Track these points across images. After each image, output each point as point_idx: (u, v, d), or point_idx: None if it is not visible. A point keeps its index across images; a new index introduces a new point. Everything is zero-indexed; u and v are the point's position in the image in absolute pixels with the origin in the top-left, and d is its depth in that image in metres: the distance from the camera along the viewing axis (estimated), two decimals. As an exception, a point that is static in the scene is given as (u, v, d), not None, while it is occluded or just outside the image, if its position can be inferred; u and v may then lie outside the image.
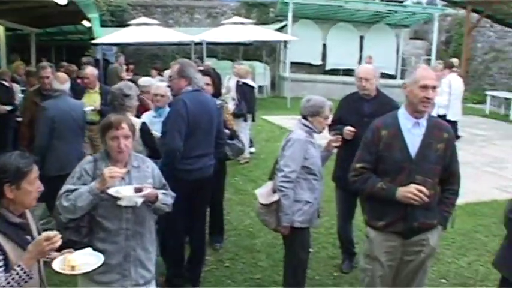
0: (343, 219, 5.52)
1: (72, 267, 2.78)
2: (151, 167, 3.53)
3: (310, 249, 5.01)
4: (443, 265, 5.77)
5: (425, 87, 3.49)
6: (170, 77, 4.79)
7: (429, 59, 20.21)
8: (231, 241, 6.22)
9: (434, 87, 3.55)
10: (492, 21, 19.53)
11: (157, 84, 5.94)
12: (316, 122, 4.41)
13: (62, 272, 2.77)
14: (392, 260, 3.73)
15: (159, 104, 5.56)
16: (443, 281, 5.45)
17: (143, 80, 7.21)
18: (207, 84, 5.63)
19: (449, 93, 10.00)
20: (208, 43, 17.19)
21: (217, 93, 6.04)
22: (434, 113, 9.64)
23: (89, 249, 3.01)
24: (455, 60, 14.26)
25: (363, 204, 4.00)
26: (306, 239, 4.59)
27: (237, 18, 18.20)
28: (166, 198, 3.50)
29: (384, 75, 19.61)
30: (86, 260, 2.87)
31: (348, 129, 4.98)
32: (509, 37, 20.14)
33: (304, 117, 4.43)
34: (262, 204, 4.44)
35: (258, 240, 6.23)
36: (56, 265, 2.78)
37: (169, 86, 5.12)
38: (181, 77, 4.69)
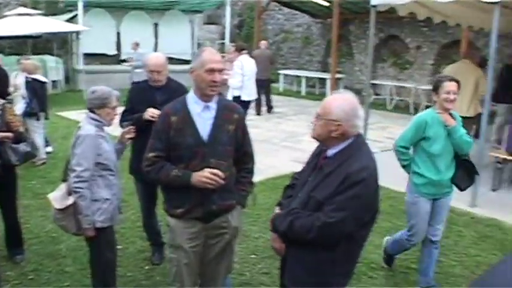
0: (147, 211, 5.43)
1: None
2: None
3: (119, 246, 4.85)
4: (251, 241, 5.99)
5: (211, 70, 3.47)
6: None
7: (223, 43, 20.80)
8: (32, 250, 5.76)
9: (220, 70, 3.56)
10: (281, 4, 20.71)
11: None
12: (104, 114, 4.18)
13: None
14: (196, 246, 3.72)
15: None
16: (252, 256, 5.66)
17: None
18: None
19: (242, 74, 10.38)
20: (-9, 37, 15.78)
21: (4, 93, 5.53)
22: (229, 95, 9.97)
23: None
24: (263, 43, 14.98)
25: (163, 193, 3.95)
26: (110, 237, 4.40)
27: (22, 9, 17.00)
28: None
29: (180, 61, 19.79)
30: None
31: (152, 111, 4.78)
32: (296, 19, 21.51)
33: (91, 111, 4.19)
34: (58, 209, 4.14)
35: (63, 245, 5.86)
36: None
37: None
38: None
